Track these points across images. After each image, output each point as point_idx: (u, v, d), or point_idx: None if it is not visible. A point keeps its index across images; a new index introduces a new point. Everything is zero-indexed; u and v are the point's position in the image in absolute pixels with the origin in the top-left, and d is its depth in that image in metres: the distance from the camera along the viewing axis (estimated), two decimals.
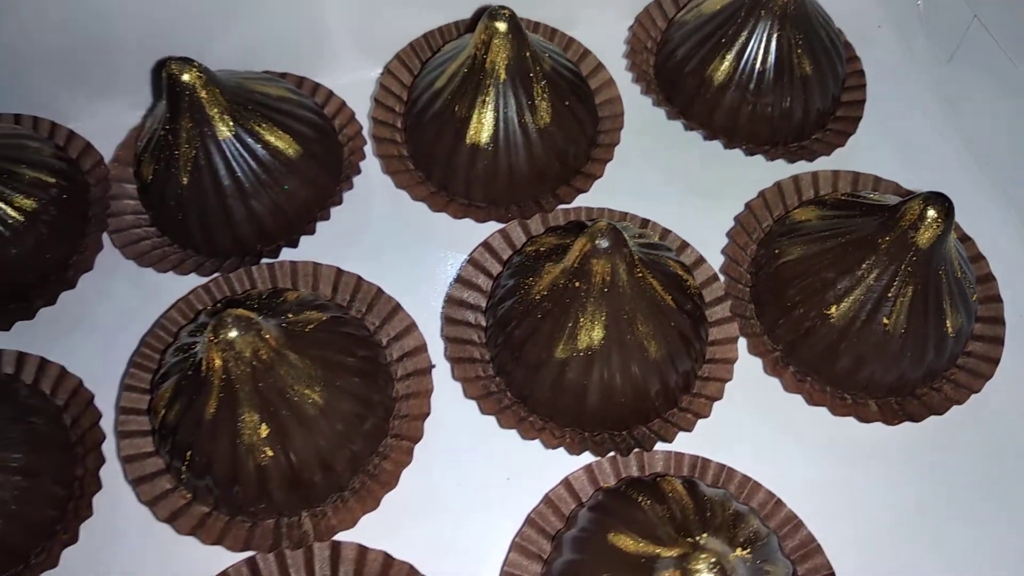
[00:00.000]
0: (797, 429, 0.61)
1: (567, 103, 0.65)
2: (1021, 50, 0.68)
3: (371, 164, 0.69)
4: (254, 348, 0.50)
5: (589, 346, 0.54)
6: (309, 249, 0.65)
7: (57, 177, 0.65)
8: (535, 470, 0.58)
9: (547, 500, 0.56)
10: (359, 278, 0.62)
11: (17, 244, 0.62)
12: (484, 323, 0.62)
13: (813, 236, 0.60)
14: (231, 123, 0.61)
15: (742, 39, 0.66)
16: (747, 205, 0.66)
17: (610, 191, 0.67)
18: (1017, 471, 0.60)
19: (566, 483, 0.56)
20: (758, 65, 0.66)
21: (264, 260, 0.63)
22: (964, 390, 0.59)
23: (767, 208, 0.66)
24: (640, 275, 0.54)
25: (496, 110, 0.63)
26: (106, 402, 0.60)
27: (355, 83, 0.74)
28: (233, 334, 0.49)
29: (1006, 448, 0.61)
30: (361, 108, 0.71)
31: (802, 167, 0.69)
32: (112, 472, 0.58)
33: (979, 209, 0.68)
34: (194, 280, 0.63)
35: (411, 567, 0.53)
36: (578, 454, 0.57)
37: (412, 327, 0.61)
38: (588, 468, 0.56)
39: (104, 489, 0.56)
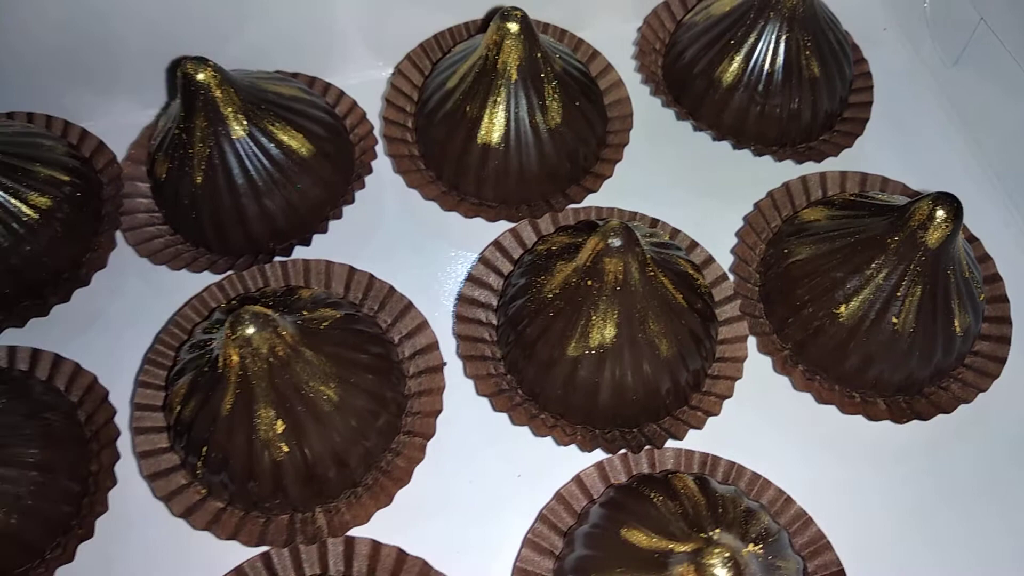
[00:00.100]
0: (806, 427, 0.61)
1: (577, 103, 0.66)
2: None
3: (382, 164, 0.70)
4: (271, 344, 0.50)
5: (601, 344, 0.55)
6: (322, 248, 0.65)
7: (71, 175, 0.65)
8: (546, 467, 0.59)
9: (559, 497, 0.56)
10: (371, 276, 0.62)
11: (32, 241, 0.62)
12: (495, 321, 0.62)
13: (822, 236, 0.60)
14: (245, 122, 0.61)
15: (751, 40, 0.67)
16: (756, 205, 0.67)
17: (620, 191, 0.68)
18: None
19: (578, 480, 0.56)
20: (767, 66, 0.67)
21: (277, 258, 0.64)
22: (972, 389, 0.60)
23: (776, 208, 0.66)
24: (652, 274, 0.55)
25: (507, 110, 0.64)
26: (120, 398, 0.60)
27: (365, 83, 0.75)
28: (251, 330, 0.50)
29: (1014, 446, 0.61)
30: (372, 108, 0.72)
31: (810, 168, 0.70)
32: (127, 468, 0.58)
33: (985, 210, 0.69)
34: (207, 278, 0.64)
35: (424, 562, 0.54)
36: (589, 451, 0.57)
37: (424, 325, 0.61)
38: (599, 465, 0.57)
39: (119, 484, 0.56)
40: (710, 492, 0.51)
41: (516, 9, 0.62)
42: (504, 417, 0.59)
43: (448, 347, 0.62)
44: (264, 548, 0.54)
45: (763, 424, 0.61)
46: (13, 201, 0.61)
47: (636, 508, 0.51)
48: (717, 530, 0.47)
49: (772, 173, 0.69)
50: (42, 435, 0.56)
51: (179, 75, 0.59)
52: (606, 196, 0.68)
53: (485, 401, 0.59)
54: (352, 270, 0.62)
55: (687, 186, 0.71)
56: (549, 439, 0.58)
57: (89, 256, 0.66)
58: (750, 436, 0.60)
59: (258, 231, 0.64)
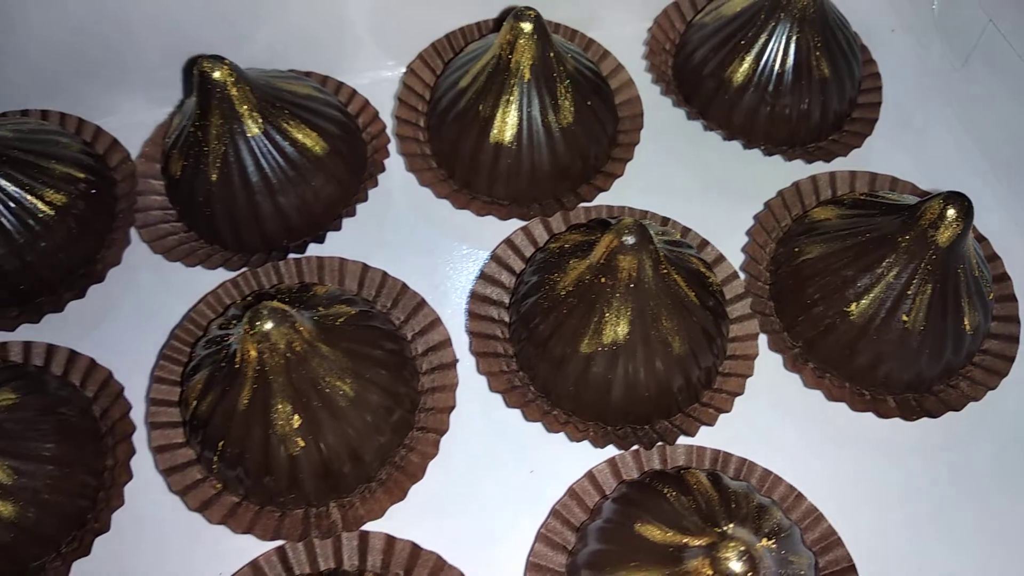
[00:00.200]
0: (817, 424, 0.62)
1: (589, 103, 0.66)
2: None
3: (395, 162, 0.70)
4: (288, 340, 0.51)
5: (614, 341, 0.55)
6: (335, 245, 0.66)
7: (86, 172, 0.66)
8: (559, 463, 0.59)
9: (571, 492, 0.56)
10: (384, 273, 0.63)
11: (47, 238, 0.62)
12: (507, 319, 0.63)
13: (832, 235, 0.61)
14: (260, 120, 0.62)
15: (761, 41, 0.68)
16: (766, 204, 0.67)
17: (630, 190, 0.69)
18: None
19: (590, 476, 0.57)
20: (777, 67, 0.67)
21: (291, 255, 0.64)
22: (981, 387, 0.60)
23: (786, 207, 0.67)
24: (665, 271, 0.55)
25: (520, 109, 0.64)
26: (135, 394, 0.60)
27: (377, 83, 0.75)
28: (269, 326, 0.50)
29: (1022, 443, 0.62)
30: (383, 107, 0.72)
31: (820, 167, 0.70)
32: (143, 462, 0.58)
33: (994, 210, 0.69)
34: (221, 275, 0.64)
35: (438, 557, 0.54)
36: (602, 447, 0.58)
37: (437, 322, 0.62)
38: (611, 461, 0.57)
39: (135, 479, 0.57)
40: (723, 488, 0.51)
41: (530, 9, 0.62)
42: (517, 413, 0.60)
43: (460, 344, 0.63)
44: (279, 542, 0.54)
45: (774, 421, 0.62)
46: (29, 198, 0.62)
47: (649, 503, 0.51)
48: (731, 524, 0.48)
49: (782, 173, 0.70)
50: (58, 430, 0.56)
51: (195, 73, 0.60)
52: (617, 195, 0.68)
53: (498, 397, 0.60)
54: (365, 267, 0.63)
55: (697, 185, 0.72)
56: (561, 435, 0.59)
57: (104, 253, 0.66)
58: (761, 433, 0.61)
59: (272, 229, 0.64)
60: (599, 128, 0.67)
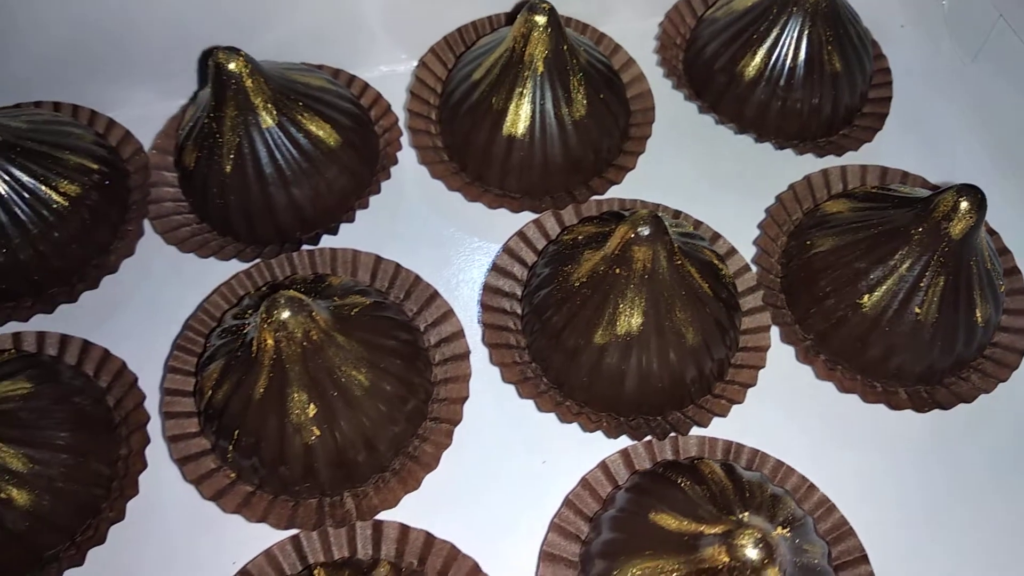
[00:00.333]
0: (828, 415, 0.62)
1: (602, 96, 0.66)
2: None
3: (407, 155, 0.71)
4: (305, 329, 0.51)
5: (628, 332, 0.55)
6: (347, 237, 0.66)
7: (99, 163, 0.66)
8: (571, 454, 0.59)
9: (584, 482, 0.57)
10: (397, 265, 0.63)
11: (61, 228, 0.63)
12: (519, 311, 0.63)
13: (845, 227, 0.61)
14: (275, 112, 0.62)
15: (773, 35, 0.68)
16: (778, 198, 0.67)
17: (642, 183, 0.69)
18: None
19: (603, 466, 0.57)
20: (789, 61, 0.68)
21: (304, 247, 0.65)
22: (992, 379, 0.61)
23: (797, 201, 0.67)
24: (679, 263, 0.55)
25: (533, 102, 0.64)
26: (149, 384, 0.61)
27: (389, 76, 0.76)
28: (286, 314, 0.50)
29: None
30: (395, 101, 0.72)
31: (830, 161, 0.70)
32: (157, 452, 0.59)
33: (1004, 205, 0.69)
34: (235, 266, 0.64)
35: (452, 546, 0.54)
36: (615, 438, 0.58)
37: (450, 313, 0.62)
38: (624, 452, 0.58)
39: (149, 468, 0.57)
40: (737, 477, 0.52)
41: (544, 2, 0.62)
42: (529, 404, 0.60)
43: (472, 335, 0.63)
44: (293, 531, 0.55)
45: (786, 412, 0.62)
46: (43, 188, 0.62)
47: (664, 492, 0.51)
48: (746, 513, 0.48)
49: (793, 167, 0.70)
50: (72, 419, 0.56)
51: (211, 64, 0.60)
52: (628, 188, 0.68)
53: (511, 388, 0.60)
54: (378, 259, 0.63)
55: (709, 179, 0.72)
56: (574, 426, 0.59)
57: (117, 244, 0.66)
58: (773, 424, 0.61)
59: (286, 220, 0.64)
60: (611, 121, 0.68)
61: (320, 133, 0.64)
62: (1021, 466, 0.61)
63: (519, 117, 0.65)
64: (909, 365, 0.59)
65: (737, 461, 0.57)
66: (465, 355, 0.60)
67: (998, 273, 0.61)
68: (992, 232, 0.66)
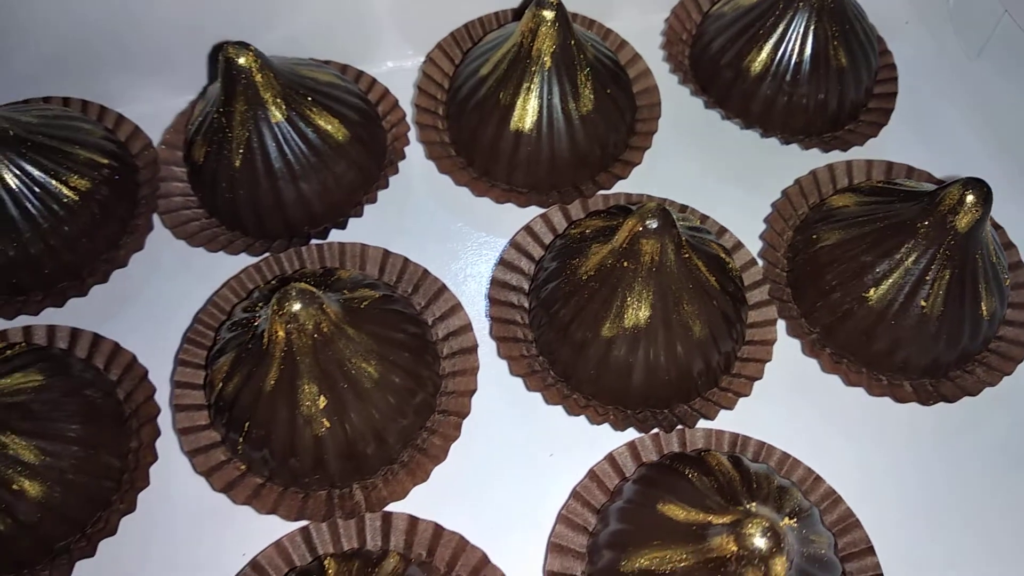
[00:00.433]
0: (834, 408, 0.62)
1: (609, 91, 0.67)
2: None
3: (414, 150, 0.71)
4: (316, 321, 0.51)
5: (636, 325, 0.56)
6: (356, 232, 0.66)
7: (109, 158, 0.66)
8: (578, 446, 0.60)
9: (591, 474, 0.57)
10: (405, 259, 0.63)
11: (71, 222, 0.63)
12: (527, 305, 0.63)
13: (851, 221, 0.61)
14: (284, 107, 0.62)
15: (780, 31, 0.68)
16: (784, 192, 0.68)
17: (649, 178, 0.69)
18: None
19: (610, 458, 0.57)
20: (795, 56, 0.68)
21: (313, 241, 0.65)
22: (997, 372, 0.61)
23: (803, 195, 0.67)
24: (687, 256, 0.56)
25: (540, 97, 0.65)
26: (159, 377, 0.61)
27: (397, 71, 0.76)
28: (297, 307, 0.51)
29: None
30: (402, 96, 0.73)
31: (836, 156, 0.71)
32: (168, 444, 0.59)
33: (1009, 200, 0.69)
34: (244, 260, 0.65)
35: (461, 537, 0.54)
36: (623, 430, 0.58)
37: (458, 307, 0.62)
38: (631, 444, 0.58)
39: (160, 461, 0.57)
40: (744, 469, 0.52)
41: None
42: (537, 397, 0.60)
43: (479, 329, 0.63)
44: (303, 523, 0.55)
45: (792, 405, 0.62)
46: (54, 183, 0.62)
47: (671, 483, 0.52)
48: (753, 503, 0.48)
49: (799, 161, 0.70)
50: (83, 411, 0.57)
51: (221, 59, 0.60)
52: (635, 183, 0.69)
53: (518, 381, 0.60)
54: (387, 253, 0.64)
55: (715, 173, 0.72)
56: (581, 419, 0.59)
57: (126, 238, 0.67)
58: (779, 417, 0.61)
59: (295, 215, 0.65)
60: (618, 116, 0.68)
61: (329, 128, 0.64)
62: None
63: (526, 112, 0.65)
64: (914, 358, 0.60)
65: (744, 453, 0.57)
66: (473, 348, 0.61)
67: (1003, 267, 0.61)
68: (997, 226, 0.66)
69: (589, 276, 0.57)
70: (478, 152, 0.68)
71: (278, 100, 0.62)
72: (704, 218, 0.66)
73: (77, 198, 0.63)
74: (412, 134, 0.71)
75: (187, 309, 0.64)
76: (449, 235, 0.69)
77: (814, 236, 0.63)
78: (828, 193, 0.67)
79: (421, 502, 0.56)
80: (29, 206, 0.62)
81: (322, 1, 0.74)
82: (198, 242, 0.65)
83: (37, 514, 0.53)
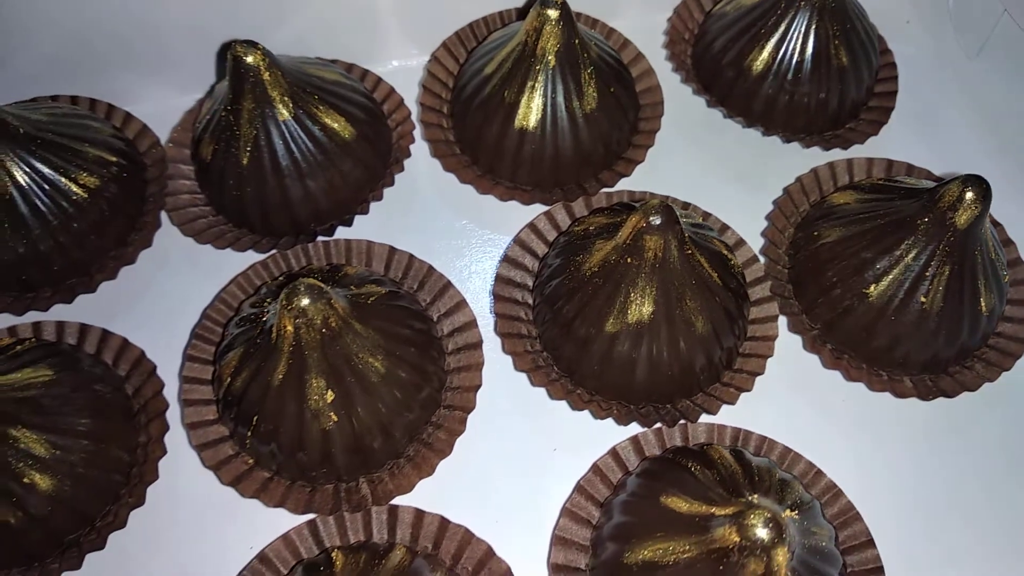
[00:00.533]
0: (835, 404, 0.63)
1: (612, 89, 0.67)
2: None
3: (419, 148, 0.72)
4: (324, 316, 0.52)
5: (639, 320, 0.56)
6: (362, 229, 0.67)
7: (117, 156, 0.67)
8: (581, 441, 0.61)
9: (595, 468, 0.58)
10: (411, 256, 0.64)
11: (80, 219, 0.64)
12: (531, 301, 0.64)
13: (851, 218, 0.62)
14: (291, 105, 0.63)
15: (781, 30, 0.69)
16: (785, 190, 0.68)
17: (651, 176, 0.70)
18: None
19: (613, 453, 0.58)
20: (796, 55, 0.69)
21: (319, 238, 0.66)
22: (995, 368, 0.62)
23: (804, 193, 0.68)
24: (689, 252, 0.56)
25: (545, 95, 0.65)
26: (167, 373, 0.62)
27: (402, 70, 0.77)
28: (306, 301, 0.51)
29: None
30: (407, 95, 0.74)
31: (837, 154, 0.71)
32: (176, 439, 0.60)
33: (1008, 197, 0.69)
34: (251, 257, 0.65)
35: (466, 530, 0.55)
36: (626, 424, 0.59)
37: (462, 303, 0.63)
38: (634, 439, 0.58)
39: (168, 455, 0.58)
40: (746, 462, 0.53)
41: None
42: (541, 392, 0.61)
43: (484, 325, 0.64)
44: (310, 516, 0.56)
45: (793, 401, 0.63)
46: (63, 180, 0.63)
47: (674, 476, 0.52)
48: (755, 495, 0.49)
49: (800, 159, 0.71)
50: (92, 406, 0.57)
51: (229, 57, 0.61)
52: (638, 181, 0.69)
53: (522, 377, 0.61)
54: (392, 250, 0.64)
55: (717, 171, 0.73)
56: (585, 413, 0.60)
57: (135, 235, 0.67)
58: (780, 412, 0.62)
59: (301, 212, 0.65)
60: (621, 115, 0.69)
61: (335, 126, 0.65)
62: (1022, 452, 0.62)
63: (531, 110, 0.66)
64: (914, 354, 0.60)
65: (745, 447, 0.58)
66: (478, 344, 0.61)
67: (1002, 263, 0.61)
68: (996, 224, 0.66)
69: (593, 272, 0.58)
70: (482, 150, 0.69)
71: (285, 98, 0.63)
72: (706, 215, 0.66)
73: (86, 195, 0.64)
74: (417, 132, 0.72)
75: (195, 305, 0.65)
76: (454, 232, 0.70)
77: (815, 233, 0.64)
78: (829, 191, 0.68)
79: (427, 496, 0.57)
80: (39, 203, 0.62)
81: (329, 2, 0.74)
82: (205, 239, 0.66)
83: (48, 507, 0.54)
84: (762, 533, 0.44)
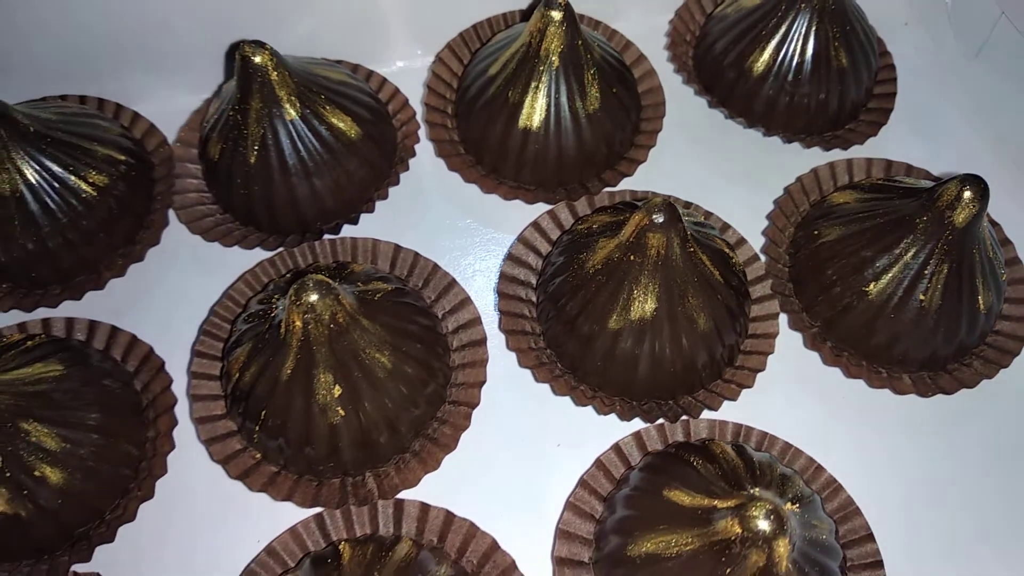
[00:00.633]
0: (835, 400, 0.64)
1: (615, 90, 0.68)
2: None
3: (424, 148, 0.72)
4: (332, 311, 0.53)
5: (642, 317, 0.57)
6: (367, 227, 0.68)
7: (126, 155, 0.68)
8: (585, 436, 0.61)
9: (598, 463, 0.58)
10: (416, 254, 0.65)
11: (89, 217, 0.64)
12: (535, 299, 0.65)
13: (851, 217, 0.63)
14: (298, 105, 0.64)
15: (782, 32, 0.70)
16: (786, 189, 0.69)
17: (653, 176, 0.71)
18: None
19: (616, 448, 0.59)
20: (797, 57, 0.70)
21: (325, 236, 0.66)
22: (993, 365, 0.62)
23: (804, 193, 0.69)
24: (692, 250, 0.57)
25: (548, 95, 0.66)
26: (175, 369, 0.62)
27: (406, 71, 0.78)
28: (314, 297, 0.52)
29: None
30: (412, 96, 0.74)
31: (837, 155, 0.72)
32: (185, 433, 0.60)
33: (1005, 197, 0.70)
34: (258, 255, 0.66)
35: (471, 523, 0.56)
36: (629, 420, 0.60)
37: (467, 301, 0.63)
38: (637, 434, 0.59)
39: (177, 449, 0.59)
40: (747, 457, 0.53)
41: None
42: (545, 388, 0.62)
43: (487, 323, 0.65)
44: (317, 509, 0.56)
45: (793, 397, 0.64)
46: (73, 178, 0.64)
47: (677, 470, 0.53)
48: (757, 488, 0.50)
49: (800, 160, 0.72)
50: (101, 401, 0.58)
51: (237, 57, 0.62)
52: (640, 180, 0.70)
53: (526, 373, 0.62)
54: (398, 248, 0.65)
55: (719, 171, 0.74)
56: (588, 409, 0.61)
57: (143, 233, 0.68)
58: (781, 408, 0.62)
59: (308, 210, 0.66)
60: (623, 115, 0.69)
61: (341, 126, 0.66)
62: (1021, 449, 0.63)
63: (534, 110, 0.66)
64: (913, 351, 0.61)
65: (747, 443, 0.58)
66: (482, 341, 0.62)
67: (1000, 262, 0.62)
68: (994, 223, 0.67)
69: (596, 270, 0.58)
70: (487, 150, 0.69)
71: (292, 98, 0.63)
72: (708, 214, 0.67)
73: (95, 193, 0.65)
74: (422, 132, 0.72)
75: (202, 302, 0.65)
76: (458, 231, 0.71)
77: (815, 232, 0.64)
78: (829, 190, 0.69)
79: (432, 490, 0.57)
80: (49, 200, 0.63)
81: (334, 3, 0.75)
82: (213, 237, 0.67)
83: (58, 500, 0.54)
84: (764, 525, 0.45)
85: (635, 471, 0.56)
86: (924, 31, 0.83)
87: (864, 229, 0.61)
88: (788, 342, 0.64)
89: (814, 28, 0.69)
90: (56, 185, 0.63)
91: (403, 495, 0.57)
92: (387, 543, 0.54)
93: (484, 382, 0.61)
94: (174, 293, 0.68)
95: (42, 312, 0.65)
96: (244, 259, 0.66)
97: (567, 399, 0.61)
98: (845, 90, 0.71)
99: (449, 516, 0.56)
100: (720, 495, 0.49)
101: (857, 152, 0.72)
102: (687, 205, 0.67)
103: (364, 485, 0.57)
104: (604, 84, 0.67)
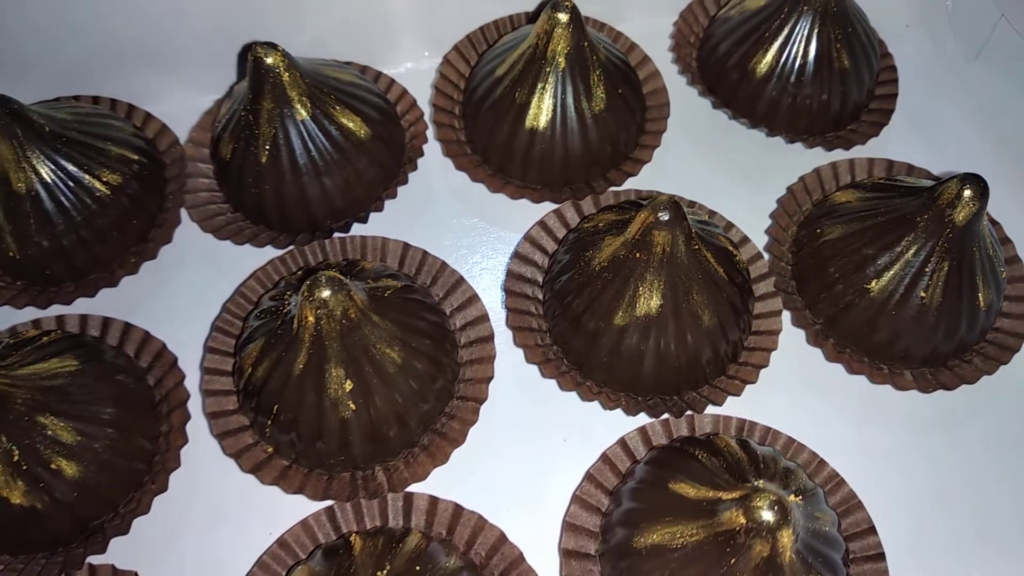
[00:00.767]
0: (837, 396, 0.65)
1: (620, 91, 0.69)
2: None
3: (432, 148, 0.73)
4: (344, 307, 0.54)
5: (647, 314, 0.58)
6: (376, 226, 0.69)
7: (138, 155, 0.69)
8: (590, 431, 0.62)
9: (604, 457, 0.59)
10: (424, 252, 0.66)
11: (102, 216, 0.65)
12: (541, 296, 0.65)
13: (853, 216, 0.64)
14: (309, 105, 0.65)
15: (784, 34, 0.71)
16: (789, 189, 0.70)
17: (658, 175, 0.72)
18: None
19: (622, 442, 0.60)
20: (799, 58, 0.71)
21: (335, 234, 0.67)
22: (994, 362, 0.63)
23: (807, 192, 0.70)
24: (696, 247, 0.58)
25: (555, 96, 0.67)
26: (187, 365, 0.63)
27: (414, 72, 0.78)
28: (327, 293, 0.53)
29: None
30: (420, 96, 0.75)
31: (839, 155, 0.73)
32: (197, 428, 0.61)
33: (1005, 197, 0.71)
34: (269, 253, 0.67)
35: (479, 516, 0.57)
36: (634, 415, 0.61)
37: (475, 298, 0.64)
38: (642, 429, 0.60)
39: (190, 443, 0.60)
40: (751, 451, 0.54)
41: (566, 0, 0.65)
42: (551, 384, 0.63)
43: (496, 319, 0.66)
44: (328, 502, 0.57)
45: (796, 393, 0.65)
46: (87, 177, 0.65)
47: (682, 464, 0.54)
48: (761, 481, 0.50)
49: (803, 160, 0.73)
50: (115, 395, 0.59)
51: (250, 59, 0.63)
52: (645, 180, 0.71)
53: (533, 369, 0.63)
54: (407, 246, 0.66)
55: (722, 171, 0.75)
56: (594, 405, 0.62)
57: (155, 232, 0.69)
58: (784, 404, 0.63)
59: (318, 209, 0.67)
60: (628, 116, 0.70)
61: (351, 126, 0.67)
62: (1021, 444, 0.63)
63: (541, 111, 0.67)
64: (914, 348, 0.62)
65: (750, 438, 0.59)
66: (490, 337, 0.63)
67: (1000, 260, 0.63)
68: (994, 222, 0.68)
69: (602, 267, 0.59)
70: (493, 150, 0.70)
71: (303, 99, 0.64)
72: (712, 213, 0.68)
73: (109, 192, 0.66)
74: (430, 133, 0.73)
75: (214, 299, 0.66)
76: (465, 230, 0.72)
77: (818, 231, 0.65)
78: (831, 190, 0.70)
79: (441, 483, 0.58)
80: (63, 199, 0.64)
81: (343, 6, 0.76)
82: (225, 235, 0.68)
83: (73, 492, 0.55)
84: (768, 515, 0.46)
85: (641, 465, 0.57)
86: (925, 33, 0.84)
87: (866, 227, 0.62)
88: (791, 339, 0.65)
89: (816, 30, 0.70)
90: (71, 184, 0.64)
91: (412, 488, 0.58)
92: (397, 535, 0.55)
93: (492, 378, 0.61)
94: (186, 290, 0.69)
95: (56, 309, 0.66)
96: (255, 257, 0.67)
97: (573, 394, 0.62)
98: (847, 91, 0.72)
99: (458, 509, 0.57)
100: (725, 487, 0.50)
101: (859, 152, 0.73)
102: (691, 204, 0.68)
103: (374, 479, 0.58)
104: (610, 85, 0.68)
